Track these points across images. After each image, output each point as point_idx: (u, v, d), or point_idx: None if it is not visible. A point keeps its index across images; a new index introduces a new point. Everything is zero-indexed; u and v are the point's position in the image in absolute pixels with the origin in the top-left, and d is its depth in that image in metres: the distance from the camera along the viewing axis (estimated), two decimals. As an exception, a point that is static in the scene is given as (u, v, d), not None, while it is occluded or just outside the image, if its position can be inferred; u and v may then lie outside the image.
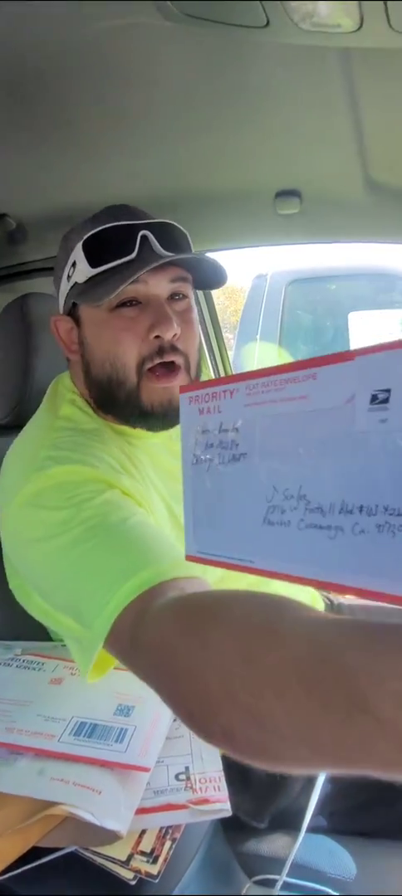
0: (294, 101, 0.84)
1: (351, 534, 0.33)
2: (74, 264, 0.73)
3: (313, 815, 0.70)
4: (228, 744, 0.41)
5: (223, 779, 0.58)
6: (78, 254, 0.72)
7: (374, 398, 0.32)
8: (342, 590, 0.35)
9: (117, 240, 0.71)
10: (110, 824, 0.51)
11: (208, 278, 0.79)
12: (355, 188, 1.09)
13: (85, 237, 0.72)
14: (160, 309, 0.71)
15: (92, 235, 0.71)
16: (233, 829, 0.69)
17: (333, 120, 0.87)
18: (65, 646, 0.71)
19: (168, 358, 0.71)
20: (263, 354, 3.38)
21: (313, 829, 0.70)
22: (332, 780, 0.72)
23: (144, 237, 0.71)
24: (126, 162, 1.04)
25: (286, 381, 0.38)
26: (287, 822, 0.72)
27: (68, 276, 0.75)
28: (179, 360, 0.73)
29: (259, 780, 0.78)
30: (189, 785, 0.58)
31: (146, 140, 0.96)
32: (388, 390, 0.31)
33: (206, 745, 0.63)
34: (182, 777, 0.59)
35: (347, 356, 0.34)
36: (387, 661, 0.31)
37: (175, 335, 0.71)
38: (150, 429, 0.75)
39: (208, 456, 0.44)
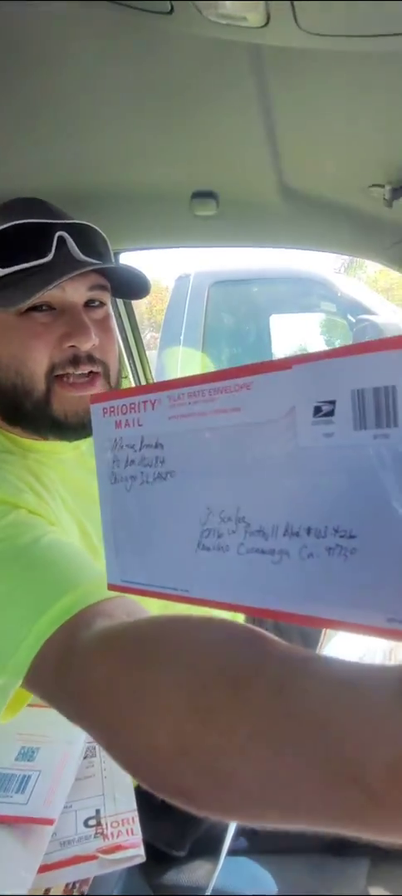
0: (207, 99, 0.81)
1: (298, 558, 0.30)
2: None
3: (235, 837, 0.68)
4: (185, 803, 0.35)
5: (137, 819, 0.54)
6: None
7: (317, 410, 0.29)
8: (290, 618, 0.30)
9: (31, 238, 0.65)
10: (9, 891, 0.45)
11: (130, 288, 0.75)
12: (270, 193, 1.09)
13: None
14: (77, 317, 0.66)
15: (2, 231, 0.64)
16: (151, 861, 0.65)
17: (247, 122, 0.86)
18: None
19: (84, 369, 0.66)
20: (186, 356, 3.37)
21: (234, 852, 0.68)
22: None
23: (62, 238, 0.65)
24: (37, 152, 0.97)
25: (217, 392, 0.34)
26: (208, 848, 0.69)
27: None
28: (96, 368, 0.68)
29: (177, 809, 0.75)
30: (100, 831, 0.53)
31: (58, 130, 0.90)
32: (333, 402, 0.29)
33: (119, 782, 0.59)
34: (92, 822, 0.54)
35: (283, 364, 0.31)
36: (376, 724, 0.27)
37: (93, 345, 0.66)
38: (63, 439, 0.69)
39: (129, 474, 0.39)
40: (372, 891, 0.93)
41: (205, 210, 1.15)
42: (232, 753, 0.31)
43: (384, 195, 0.96)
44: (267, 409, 0.31)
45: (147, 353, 1.67)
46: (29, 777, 0.54)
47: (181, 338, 3.37)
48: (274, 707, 0.31)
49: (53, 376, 0.65)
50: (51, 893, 0.50)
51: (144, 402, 0.38)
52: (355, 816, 0.28)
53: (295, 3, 0.47)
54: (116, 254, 1.35)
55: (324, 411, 0.29)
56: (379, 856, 0.80)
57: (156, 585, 0.38)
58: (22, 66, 0.74)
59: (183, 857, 0.72)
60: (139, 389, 0.41)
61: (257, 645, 0.34)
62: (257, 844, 0.72)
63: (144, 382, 1.59)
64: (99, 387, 0.68)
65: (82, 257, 0.67)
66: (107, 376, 0.70)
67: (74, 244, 0.66)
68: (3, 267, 0.64)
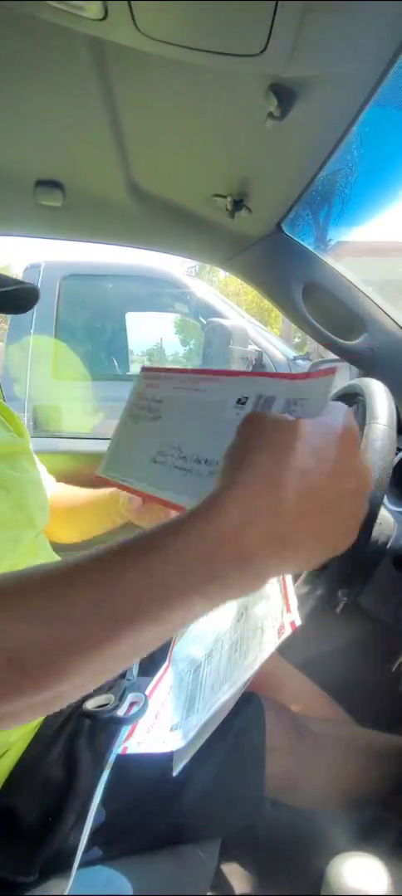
0: (48, 84, 0.78)
1: (195, 474, 0.54)
2: None
3: (88, 849, 0.66)
4: None
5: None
6: None
7: (239, 401, 0.54)
8: (177, 508, 0.55)
9: None
10: None
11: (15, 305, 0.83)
12: (118, 190, 1.08)
13: None
14: None
15: None
16: (-2, 893, 0.61)
17: (90, 114, 0.84)
18: None
19: None
20: (37, 348, 3.22)
21: (86, 863, 0.66)
22: (106, 807, 0.69)
23: None
24: None
25: (200, 380, 0.61)
26: (60, 866, 0.67)
27: None
28: None
29: (29, 829, 0.71)
30: None
31: None
32: (246, 398, 0.54)
33: None
34: None
35: (236, 373, 0.59)
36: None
37: None
38: None
39: (141, 412, 0.66)
40: (225, 868, 0.99)
41: (51, 200, 1.10)
42: None
43: (226, 206, 1.01)
44: (220, 394, 0.56)
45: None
46: None
47: (31, 330, 3.20)
48: None
49: None
50: None
51: (166, 377, 0.67)
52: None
53: (132, 2, 0.47)
54: None
55: (241, 402, 0.54)
56: (231, 836, 0.85)
57: (125, 480, 0.65)
58: None
59: (32, 882, 0.69)
60: (171, 370, 0.67)
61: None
62: (111, 850, 0.71)
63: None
64: None
65: None
66: None
67: None
68: None
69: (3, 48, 0.71)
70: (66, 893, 0.60)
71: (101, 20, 0.51)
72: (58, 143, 0.96)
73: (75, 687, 0.37)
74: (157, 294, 3.84)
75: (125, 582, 0.36)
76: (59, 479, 1.13)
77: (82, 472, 1.51)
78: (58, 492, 1.07)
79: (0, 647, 0.35)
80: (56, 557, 0.91)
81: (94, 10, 0.49)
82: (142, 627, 0.36)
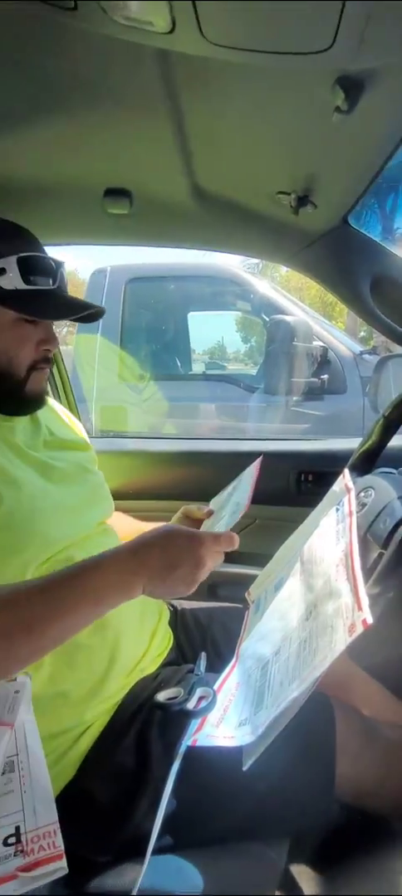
0: (116, 97, 0.81)
1: None
2: (2, 270, 0.82)
3: (160, 836, 0.68)
4: None
5: (58, 831, 0.53)
6: (9, 264, 0.83)
7: None
8: None
9: (43, 267, 0.87)
10: None
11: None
12: (183, 195, 1.10)
13: (22, 254, 0.84)
14: (51, 330, 0.91)
15: (28, 256, 0.85)
16: (75, 869, 0.64)
17: (157, 123, 0.86)
18: None
19: (49, 364, 0.93)
20: (103, 350, 3.32)
21: (159, 850, 0.69)
22: (177, 796, 0.71)
23: (61, 272, 0.90)
24: None
25: None
26: (133, 850, 0.69)
27: None
28: (50, 364, 0.93)
29: (104, 812, 0.74)
30: (20, 848, 0.52)
31: None
32: None
33: (40, 795, 0.58)
34: (12, 840, 0.53)
35: None
36: None
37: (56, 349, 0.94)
38: (22, 413, 0.92)
39: None
40: (293, 869, 0.98)
41: (118, 208, 1.14)
42: None
43: (290, 202, 1.01)
44: None
45: (64, 347, 1.63)
46: None
47: (98, 334, 3.31)
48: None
49: (31, 368, 0.88)
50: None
51: None
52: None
53: (199, 13, 0.48)
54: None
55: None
56: (300, 837, 0.85)
57: None
58: None
59: (108, 862, 0.72)
60: None
61: None
62: (182, 840, 0.73)
63: (58, 379, 1.57)
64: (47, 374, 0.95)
65: (72, 299, 0.94)
66: (51, 367, 0.97)
67: (64, 278, 0.91)
68: (26, 284, 0.84)
69: (75, 69, 0.75)
70: (140, 876, 0.62)
71: (168, 33, 0.52)
72: (125, 152, 1.00)
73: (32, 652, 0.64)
74: (218, 293, 3.86)
75: (70, 586, 0.66)
76: (122, 479, 1.18)
77: (145, 473, 1.55)
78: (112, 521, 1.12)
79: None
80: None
81: (162, 23, 0.51)
82: (76, 613, 0.65)
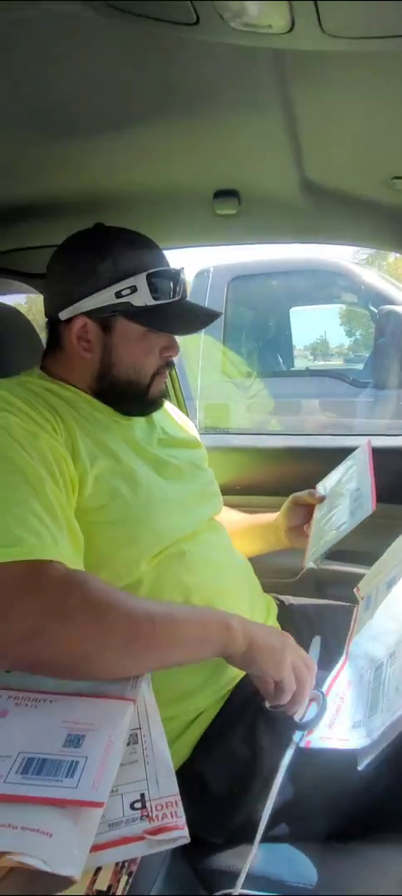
0: (227, 100, 0.83)
1: None
2: (133, 288, 0.88)
3: (276, 823, 0.70)
4: None
5: (180, 803, 0.56)
6: (140, 282, 0.88)
7: None
8: None
9: (167, 278, 0.92)
10: (63, 870, 0.48)
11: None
12: (292, 189, 1.10)
13: (150, 270, 0.89)
14: (172, 337, 0.96)
15: (156, 272, 0.90)
16: (192, 846, 0.68)
17: (268, 121, 0.87)
18: (8, 672, 0.68)
19: (169, 369, 0.98)
20: (207, 349, 3.39)
21: (274, 838, 0.70)
22: (293, 785, 0.72)
23: (182, 280, 0.95)
24: (58, 158, 1.00)
25: None
26: (245, 835, 0.71)
27: (118, 293, 0.88)
28: (170, 368, 0.99)
29: (216, 795, 0.77)
30: (145, 813, 0.55)
31: (77, 135, 0.93)
32: None
33: (161, 767, 0.62)
34: (138, 805, 0.57)
35: None
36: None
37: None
38: (144, 413, 0.99)
39: None
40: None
41: (227, 209, 1.16)
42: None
43: (407, 186, 0.96)
44: None
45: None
46: (77, 763, 0.57)
47: (201, 333, 3.39)
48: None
49: (155, 374, 0.94)
50: (102, 873, 0.53)
51: None
52: None
53: (320, 9, 0.49)
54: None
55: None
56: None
57: None
58: (49, 79, 0.77)
59: (221, 844, 0.75)
60: None
61: None
62: (297, 831, 0.73)
63: (168, 379, 1.63)
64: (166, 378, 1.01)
65: (189, 300, 0.99)
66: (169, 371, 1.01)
67: (185, 287, 0.96)
68: (155, 300, 0.89)
69: (187, 78, 0.78)
70: (248, 861, 0.64)
71: (286, 33, 0.53)
72: (235, 153, 1.01)
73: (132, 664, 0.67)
74: (322, 286, 3.77)
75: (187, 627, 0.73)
76: (229, 475, 1.20)
77: (252, 468, 1.56)
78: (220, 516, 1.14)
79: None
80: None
81: (281, 24, 0.52)
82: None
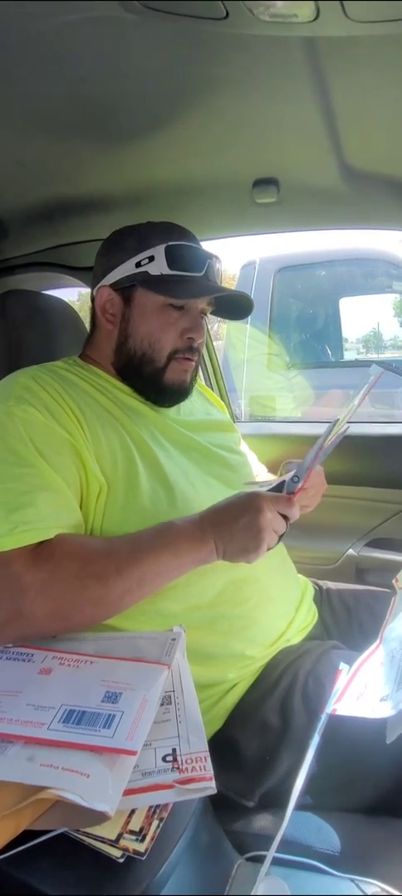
0: (263, 90, 0.85)
1: None
2: (151, 258, 0.89)
3: (301, 794, 0.72)
4: None
5: (209, 758, 0.60)
6: (158, 252, 0.89)
7: None
8: None
9: (191, 256, 0.91)
10: (98, 805, 0.52)
11: (230, 313, 1.05)
12: (331, 175, 1.10)
13: (170, 243, 0.89)
14: (198, 320, 0.93)
15: (175, 245, 0.90)
16: (223, 808, 0.71)
17: (304, 108, 0.88)
18: (54, 637, 0.73)
19: (192, 355, 0.94)
20: (253, 340, 3.39)
21: (299, 807, 0.72)
22: (318, 760, 0.73)
23: (211, 263, 0.93)
24: (103, 156, 1.05)
25: None
26: (276, 801, 0.74)
27: (138, 263, 0.90)
28: (196, 357, 0.96)
29: (249, 761, 0.80)
30: (176, 766, 0.59)
31: (121, 133, 0.97)
32: None
33: (193, 727, 0.65)
34: (169, 758, 0.60)
35: None
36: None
37: (202, 341, 0.95)
38: (162, 403, 0.96)
39: None
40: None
41: (266, 197, 1.18)
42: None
43: None
44: None
45: (214, 342, 1.72)
46: (114, 716, 0.61)
47: (247, 326, 3.39)
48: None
49: (171, 355, 0.92)
50: (135, 816, 0.57)
51: None
52: None
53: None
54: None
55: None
56: None
57: None
58: (84, 77, 0.80)
59: (253, 808, 0.77)
60: None
61: None
62: (322, 802, 0.75)
63: (210, 368, 1.66)
64: (193, 367, 0.96)
65: (219, 286, 0.95)
66: (197, 362, 0.97)
67: (214, 269, 0.93)
68: (171, 269, 0.89)
69: (223, 71, 0.80)
70: (283, 826, 0.66)
71: (313, 21, 0.55)
72: (273, 141, 1.03)
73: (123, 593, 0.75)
74: (372, 275, 3.68)
75: (152, 537, 0.78)
76: (271, 460, 1.22)
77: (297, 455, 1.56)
78: None
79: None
80: None
81: (306, 13, 0.53)
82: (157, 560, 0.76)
